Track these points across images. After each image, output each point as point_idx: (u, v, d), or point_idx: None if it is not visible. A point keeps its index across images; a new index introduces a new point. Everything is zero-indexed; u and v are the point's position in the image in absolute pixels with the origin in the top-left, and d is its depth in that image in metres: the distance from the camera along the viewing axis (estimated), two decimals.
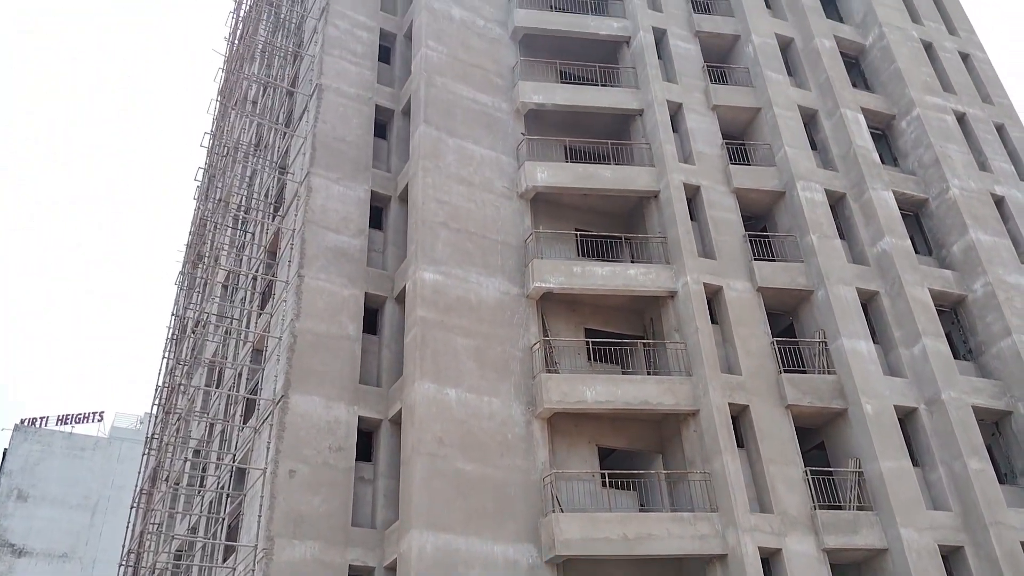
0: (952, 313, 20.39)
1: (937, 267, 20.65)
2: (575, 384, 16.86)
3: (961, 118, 23.49)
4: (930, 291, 19.62)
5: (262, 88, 24.42)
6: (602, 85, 22.21)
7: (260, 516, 14.43)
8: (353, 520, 15.22)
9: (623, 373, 18.20)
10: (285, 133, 20.95)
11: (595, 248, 20.04)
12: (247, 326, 19.94)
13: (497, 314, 17.49)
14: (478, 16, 21.98)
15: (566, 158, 21.11)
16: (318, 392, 15.91)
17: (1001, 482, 17.94)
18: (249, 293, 20.13)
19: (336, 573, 14.38)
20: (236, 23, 28.85)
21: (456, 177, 18.80)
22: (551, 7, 23.53)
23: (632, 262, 19.60)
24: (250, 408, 18.26)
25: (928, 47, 24.97)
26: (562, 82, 22.17)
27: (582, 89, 21.48)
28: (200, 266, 25.08)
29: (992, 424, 18.89)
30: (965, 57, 25.64)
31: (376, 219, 19.29)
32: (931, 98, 23.20)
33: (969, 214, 20.90)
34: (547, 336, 17.97)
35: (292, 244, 17.87)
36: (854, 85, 23.64)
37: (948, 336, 19.79)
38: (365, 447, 16.45)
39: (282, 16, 24.19)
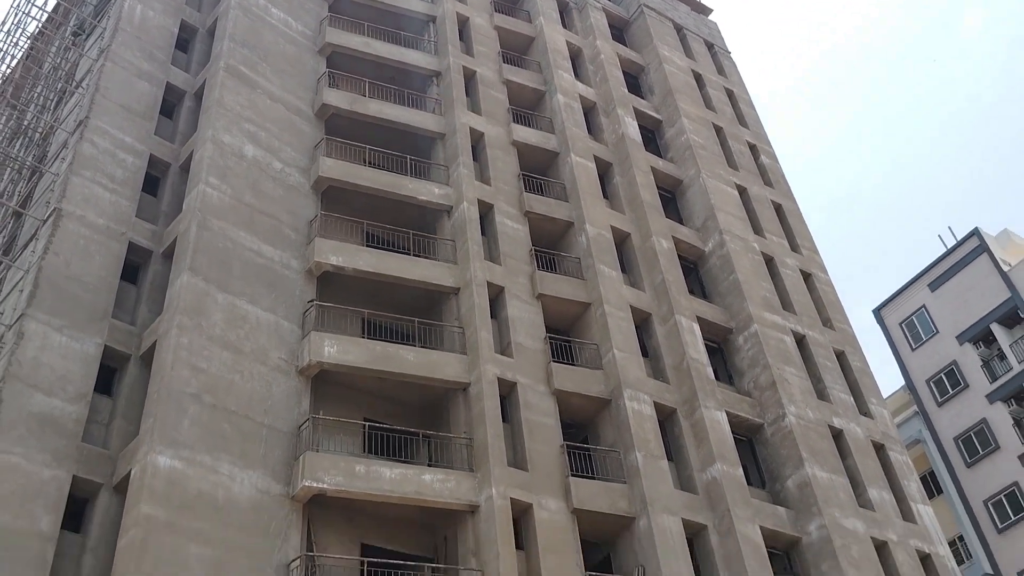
0: (784, 557, 21.77)
1: (771, 502, 22.23)
2: None
3: (800, 340, 26.31)
4: (762, 529, 20.95)
5: None
6: (415, 255, 23.19)
7: None
8: None
9: None
10: (2, 263, 19.98)
11: (386, 444, 20.01)
12: None
13: (250, 518, 16.81)
14: (275, 158, 22.73)
15: (363, 334, 21.46)
16: None
17: None
18: None
19: None
20: None
21: (221, 341, 18.54)
22: (365, 161, 24.76)
23: (429, 465, 19.68)
24: None
25: (769, 261, 28.24)
26: (368, 245, 22.97)
27: (391, 256, 22.34)
28: None
29: None
30: (807, 276, 29.15)
31: (106, 383, 18.47)
32: (770, 315, 25.97)
33: (806, 446, 22.91)
34: (311, 552, 17.36)
35: None
36: (691, 292, 26.14)
37: None
38: None
39: (25, 122, 23.83)
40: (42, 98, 24.14)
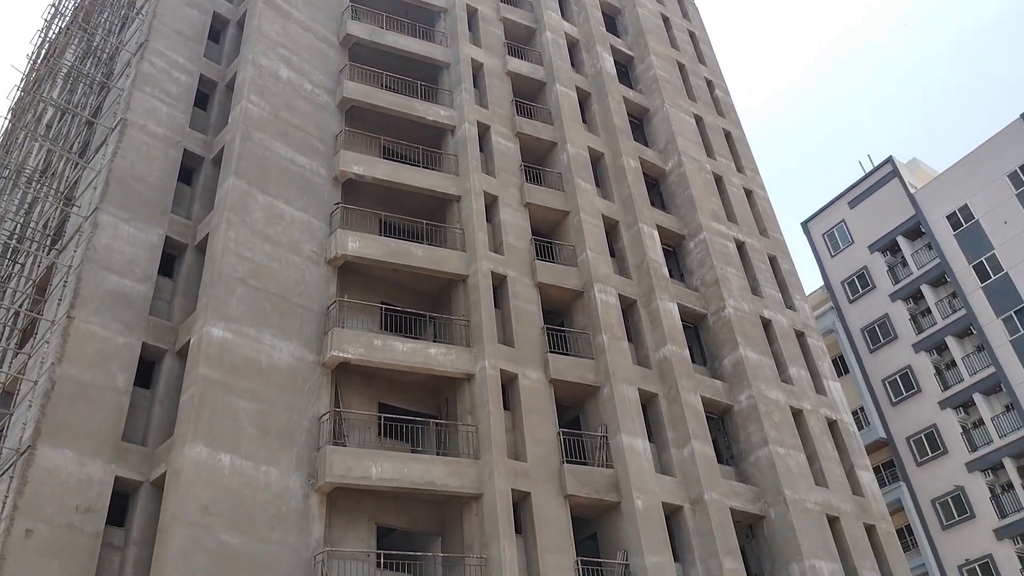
0: (720, 420, 22.52)
1: (710, 377, 22.84)
2: (361, 459, 16.73)
3: (741, 246, 26.56)
4: (702, 398, 21.60)
5: (59, 113, 23.00)
6: (424, 167, 23.05)
7: None
8: None
9: (412, 451, 18.30)
10: (78, 164, 19.78)
11: (399, 323, 20.33)
12: None
13: (288, 380, 17.15)
14: (306, 80, 22.28)
15: (380, 231, 21.50)
16: (72, 446, 14.68)
17: None
18: (8, 330, 18.35)
19: None
20: (43, 42, 27.23)
21: (262, 234, 18.57)
22: (382, 85, 24.32)
23: (434, 341, 20.05)
24: None
25: (718, 179, 28.22)
26: (384, 157, 22.78)
27: (404, 168, 22.19)
28: None
29: (747, 527, 20.78)
30: (748, 193, 29.19)
31: (168, 267, 18.53)
32: (717, 225, 26.13)
33: (740, 332, 23.41)
34: (339, 407, 17.81)
35: (66, 282, 16.70)
36: (652, 204, 26.17)
37: (714, 441, 21.77)
38: (120, 511, 15.24)
39: (95, 44, 23.16)
40: (108, 23, 23.37)
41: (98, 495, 14.59)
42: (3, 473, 14.46)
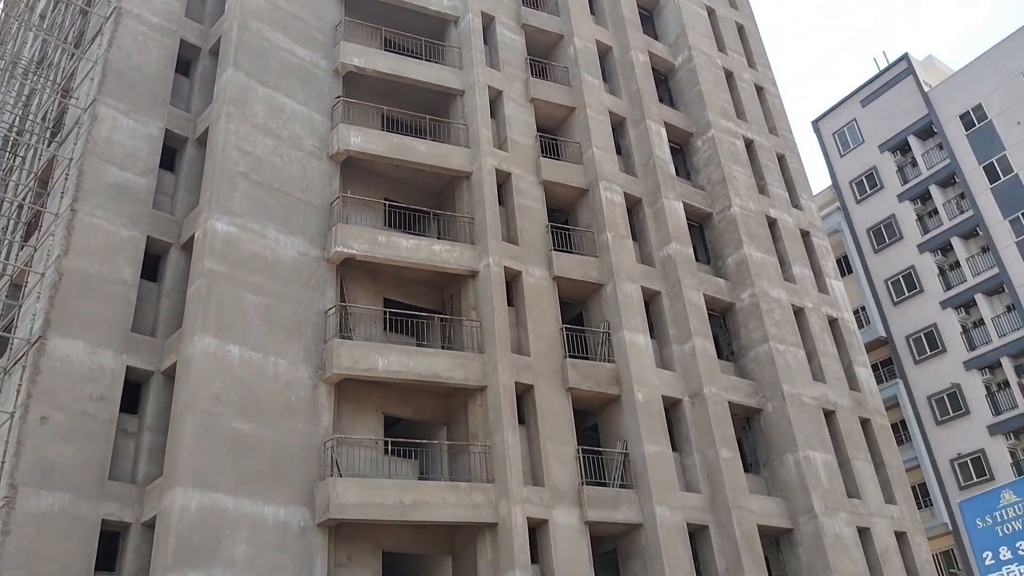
0: (721, 318, 22.75)
1: (713, 275, 22.92)
2: (368, 352, 17.02)
3: (749, 144, 26.14)
4: (704, 296, 21.75)
5: (52, 2, 22.31)
6: (426, 60, 22.48)
7: (4, 463, 13.33)
8: (111, 474, 14.50)
9: (418, 345, 18.58)
10: (74, 54, 19.32)
11: (403, 220, 20.29)
12: (6, 258, 18.20)
13: (293, 274, 17.27)
14: None
15: (382, 126, 21.17)
16: (82, 337, 14.95)
17: (746, 471, 20.29)
18: (13, 223, 18.39)
19: (87, 527, 13.60)
20: None
21: (263, 128, 18.31)
22: None
23: (439, 238, 20.06)
24: (2, 347, 16.72)
25: (729, 75, 27.50)
26: (386, 49, 22.18)
27: (406, 60, 21.63)
28: None
29: (744, 419, 21.30)
30: (759, 89, 28.51)
31: (169, 160, 18.37)
32: (725, 122, 25.64)
33: (745, 231, 23.33)
34: (344, 302, 17.99)
35: (68, 175, 16.61)
36: (660, 100, 25.63)
37: (715, 338, 22.06)
38: (132, 399, 15.65)
39: None
40: None
41: (110, 384, 14.95)
42: (16, 363, 14.78)
